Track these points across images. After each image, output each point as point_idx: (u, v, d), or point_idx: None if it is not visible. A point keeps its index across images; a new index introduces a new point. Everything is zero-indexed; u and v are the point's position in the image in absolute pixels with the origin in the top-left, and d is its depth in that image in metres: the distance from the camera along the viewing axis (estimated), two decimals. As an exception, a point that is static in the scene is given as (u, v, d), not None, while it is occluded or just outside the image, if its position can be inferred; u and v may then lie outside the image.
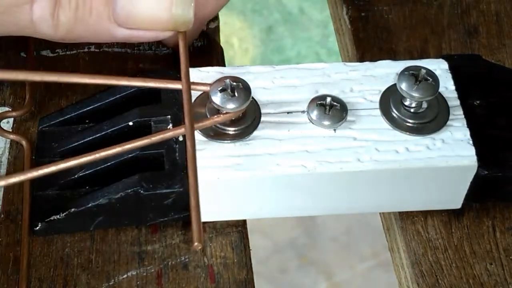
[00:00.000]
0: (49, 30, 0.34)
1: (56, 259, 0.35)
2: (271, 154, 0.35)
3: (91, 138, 0.37)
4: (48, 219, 0.35)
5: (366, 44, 0.44)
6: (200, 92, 0.36)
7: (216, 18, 0.45)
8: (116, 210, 0.35)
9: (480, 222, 0.38)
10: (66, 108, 0.39)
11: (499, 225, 0.37)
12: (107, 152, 0.34)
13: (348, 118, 0.36)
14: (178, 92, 0.36)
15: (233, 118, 0.35)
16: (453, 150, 0.35)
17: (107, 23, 0.34)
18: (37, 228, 0.35)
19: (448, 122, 0.36)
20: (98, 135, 0.36)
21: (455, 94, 0.37)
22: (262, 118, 0.36)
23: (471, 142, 0.35)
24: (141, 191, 0.34)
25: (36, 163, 0.37)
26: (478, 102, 0.37)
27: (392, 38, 0.44)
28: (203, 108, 0.36)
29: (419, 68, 0.35)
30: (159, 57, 0.43)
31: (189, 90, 0.34)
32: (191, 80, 0.37)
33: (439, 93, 0.36)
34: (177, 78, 0.38)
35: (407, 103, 0.36)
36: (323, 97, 0.36)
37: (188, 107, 0.33)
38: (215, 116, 0.34)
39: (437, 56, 0.43)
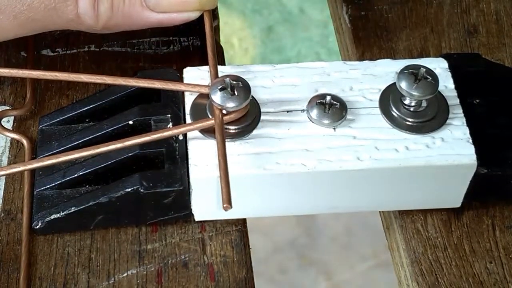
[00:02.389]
0: (91, 21, 0.36)
1: (56, 257, 0.35)
2: (271, 152, 0.35)
3: (91, 137, 0.37)
4: (49, 218, 0.35)
5: (366, 43, 0.44)
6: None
7: (216, 18, 0.45)
8: (116, 209, 0.35)
9: (479, 220, 0.38)
10: (67, 107, 0.39)
11: (498, 223, 0.37)
12: (108, 147, 0.34)
13: (348, 116, 0.36)
14: (178, 91, 0.37)
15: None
16: (453, 149, 0.35)
17: (140, 9, 0.37)
18: (38, 227, 0.35)
19: (448, 121, 0.36)
20: (98, 134, 0.37)
21: (455, 93, 0.37)
22: (262, 117, 0.36)
23: (470, 140, 0.35)
24: (141, 190, 0.34)
25: (37, 162, 0.37)
26: (477, 100, 0.37)
27: (392, 37, 0.44)
28: (205, 100, 0.36)
29: (418, 66, 0.35)
30: (159, 56, 0.43)
31: (216, 71, 0.36)
32: (192, 81, 0.37)
33: (439, 91, 0.36)
34: (177, 77, 0.38)
35: (406, 101, 0.36)
36: (323, 96, 0.36)
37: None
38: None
39: (437, 55, 0.43)
